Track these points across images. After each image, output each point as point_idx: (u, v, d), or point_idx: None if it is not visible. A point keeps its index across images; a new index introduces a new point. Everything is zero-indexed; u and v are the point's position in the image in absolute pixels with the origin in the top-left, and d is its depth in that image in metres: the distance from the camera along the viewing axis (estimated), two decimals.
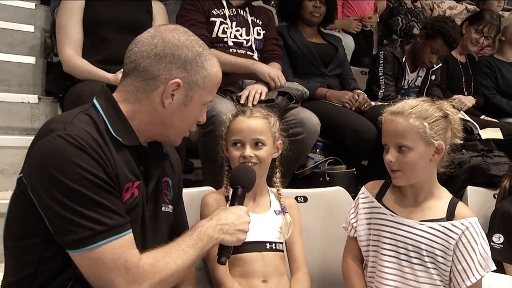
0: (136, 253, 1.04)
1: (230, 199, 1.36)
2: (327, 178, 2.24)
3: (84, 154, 1.01)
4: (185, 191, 1.63)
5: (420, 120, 1.40)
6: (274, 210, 1.62)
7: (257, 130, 1.55)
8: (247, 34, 2.40)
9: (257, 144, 1.55)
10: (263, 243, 1.54)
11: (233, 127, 1.57)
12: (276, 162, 1.66)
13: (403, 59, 2.93)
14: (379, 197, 1.55)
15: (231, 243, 1.23)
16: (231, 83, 2.24)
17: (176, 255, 1.09)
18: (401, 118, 1.41)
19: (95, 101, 1.15)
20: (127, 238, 1.04)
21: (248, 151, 1.53)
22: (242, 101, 2.10)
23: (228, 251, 1.25)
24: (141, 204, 1.14)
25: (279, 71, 2.30)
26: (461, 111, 2.91)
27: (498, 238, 2.02)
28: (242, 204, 1.32)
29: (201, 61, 1.15)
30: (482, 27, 3.31)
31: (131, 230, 1.06)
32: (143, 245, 1.11)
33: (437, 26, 2.80)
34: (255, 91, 2.14)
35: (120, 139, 1.11)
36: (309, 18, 2.75)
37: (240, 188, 1.34)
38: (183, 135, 1.24)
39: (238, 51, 2.35)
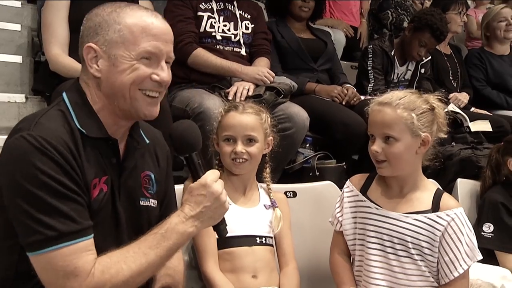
0: (89, 260, 1.01)
1: (190, 173, 1.16)
2: (317, 173, 2.24)
3: (44, 156, 0.98)
4: (176, 187, 1.63)
5: (408, 111, 1.40)
6: (264, 205, 1.62)
7: (249, 126, 1.55)
8: (235, 28, 2.39)
9: (248, 140, 1.55)
10: (253, 237, 1.54)
11: (225, 123, 1.56)
12: (266, 158, 1.66)
13: (392, 53, 2.93)
14: (364, 190, 1.55)
15: (218, 221, 1.15)
16: (219, 80, 2.24)
17: (132, 259, 1.03)
18: (389, 108, 1.41)
19: (64, 94, 1.13)
20: (81, 245, 1.00)
21: (240, 147, 1.53)
22: (230, 97, 2.10)
23: (219, 226, 1.16)
24: (111, 198, 1.12)
25: (265, 68, 2.29)
26: (452, 103, 2.93)
27: (488, 227, 2.04)
28: (202, 169, 1.14)
29: (111, 18, 1.10)
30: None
31: (89, 236, 1.02)
32: (119, 240, 1.09)
33: (424, 19, 2.80)
34: (242, 87, 2.14)
35: (84, 131, 1.08)
36: (298, 13, 2.74)
37: (192, 155, 1.14)
38: (137, 100, 1.10)
39: (226, 48, 2.35)
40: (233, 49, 2.37)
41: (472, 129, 2.62)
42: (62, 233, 0.98)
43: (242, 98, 2.08)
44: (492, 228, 2.03)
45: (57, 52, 2.05)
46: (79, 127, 1.08)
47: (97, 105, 1.12)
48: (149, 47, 1.10)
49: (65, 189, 1.00)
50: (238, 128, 1.54)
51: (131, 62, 1.09)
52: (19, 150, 0.99)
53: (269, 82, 2.21)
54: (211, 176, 1.12)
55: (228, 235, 1.20)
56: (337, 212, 1.59)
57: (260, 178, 1.68)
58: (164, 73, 1.13)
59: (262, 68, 2.28)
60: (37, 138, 0.99)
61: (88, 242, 1.02)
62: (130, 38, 1.09)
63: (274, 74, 2.27)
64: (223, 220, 1.17)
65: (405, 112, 1.39)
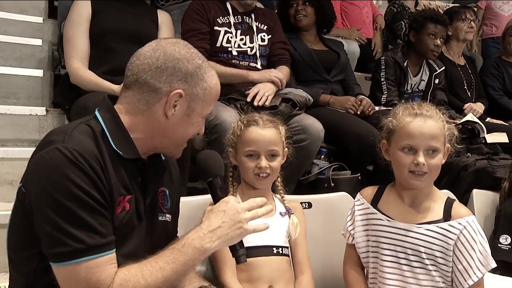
0: (111, 273, 1.03)
1: (212, 196, 1.24)
2: (332, 184, 2.24)
3: (77, 169, 1.01)
4: (191, 198, 1.66)
5: (446, 123, 1.45)
6: (280, 212, 1.63)
7: (272, 141, 1.56)
8: (251, 41, 2.42)
9: (271, 155, 1.56)
10: (270, 247, 1.56)
11: (246, 138, 1.56)
12: None
13: (405, 64, 2.95)
14: (374, 203, 1.55)
15: (235, 241, 1.17)
16: (234, 91, 2.26)
17: (149, 272, 1.05)
18: (432, 120, 1.43)
19: (97, 112, 1.16)
20: (105, 258, 1.03)
21: (264, 163, 1.54)
22: (249, 99, 2.12)
23: (238, 249, 1.19)
24: (134, 217, 1.14)
25: (274, 71, 2.31)
26: (470, 113, 2.93)
27: (506, 239, 2.02)
28: (225, 193, 1.25)
29: (201, 73, 1.16)
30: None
31: (113, 250, 1.05)
32: (137, 254, 1.11)
33: (419, 17, 2.94)
34: (264, 91, 2.15)
35: (120, 152, 1.11)
36: (295, 23, 2.77)
37: (216, 179, 1.24)
38: (183, 146, 1.24)
39: (241, 62, 2.38)
40: (248, 63, 2.40)
41: (488, 141, 2.60)
42: (89, 246, 1.01)
43: (261, 103, 2.10)
44: (509, 240, 2.02)
45: (78, 65, 2.11)
46: (115, 147, 1.10)
47: (136, 133, 1.15)
48: (210, 111, 1.23)
49: (95, 202, 1.03)
50: (261, 144, 1.55)
51: (201, 118, 1.20)
52: (53, 161, 1.01)
53: (277, 79, 2.23)
54: (234, 198, 1.19)
55: (245, 245, 1.22)
56: (349, 225, 1.59)
57: (273, 188, 1.70)
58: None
59: (269, 71, 2.31)
60: (71, 150, 1.02)
61: (111, 256, 1.05)
62: (209, 99, 1.19)
63: (280, 74, 2.28)
64: (242, 245, 1.19)
65: (446, 124, 1.45)
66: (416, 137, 1.42)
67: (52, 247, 1.01)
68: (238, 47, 2.38)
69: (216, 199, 1.22)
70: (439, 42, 2.91)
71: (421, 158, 1.40)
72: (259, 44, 2.43)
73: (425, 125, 1.42)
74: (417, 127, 1.42)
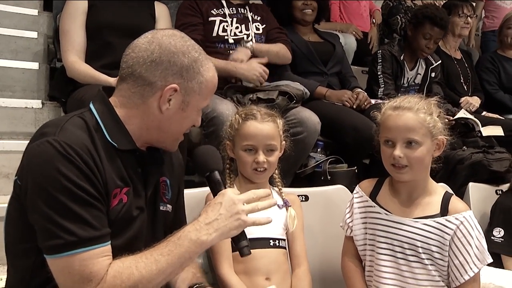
0: (104, 265, 1.03)
1: (211, 190, 1.23)
2: (329, 177, 2.25)
3: (68, 163, 1.01)
4: (187, 191, 1.66)
5: (430, 115, 1.42)
6: (278, 205, 1.63)
7: (270, 136, 1.56)
8: (247, 29, 2.43)
9: (269, 149, 1.56)
10: (267, 239, 1.56)
11: (244, 132, 1.56)
12: None
13: (401, 57, 2.95)
14: (373, 196, 1.55)
15: (235, 233, 1.14)
16: (231, 85, 2.26)
17: (144, 264, 1.04)
18: (410, 113, 1.41)
19: (91, 105, 1.15)
20: (98, 251, 1.03)
21: (262, 157, 1.54)
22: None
23: (240, 241, 1.15)
24: (133, 208, 1.13)
25: (259, 66, 2.29)
26: (463, 109, 2.94)
27: (499, 232, 2.04)
28: (224, 186, 1.22)
29: (197, 66, 1.14)
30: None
31: (106, 243, 1.05)
32: (138, 248, 1.10)
33: (420, 13, 2.89)
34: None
35: (116, 144, 1.10)
36: (301, 17, 2.76)
37: (213, 173, 1.23)
38: (179, 140, 1.23)
39: None
40: None
41: (484, 134, 2.62)
42: (81, 239, 1.00)
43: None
44: (502, 233, 2.04)
45: (74, 59, 2.09)
46: (110, 140, 1.10)
47: (131, 125, 1.14)
48: (207, 103, 1.21)
49: (87, 195, 1.02)
50: (259, 138, 1.54)
51: (196, 111, 1.19)
52: (44, 154, 1.01)
53: (264, 81, 2.23)
54: (232, 190, 1.19)
55: None
56: (347, 218, 1.60)
57: (270, 181, 1.70)
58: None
59: (256, 66, 2.28)
60: (62, 143, 1.01)
61: (105, 248, 1.04)
62: (205, 92, 1.17)
63: (268, 71, 2.28)
64: (244, 237, 1.16)
65: (427, 116, 1.42)
66: (392, 130, 1.43)
67: (46, 239, 1.01)
68: (234, 35, 2.39)
69: (215, 193, 1.20)
70: (431, 45, 2.90)
71: (397, 151, 1.41)
72: (254, 32, 2.44)
73: (402, 117, 1.41)
74: (393, 120, 1.43)
